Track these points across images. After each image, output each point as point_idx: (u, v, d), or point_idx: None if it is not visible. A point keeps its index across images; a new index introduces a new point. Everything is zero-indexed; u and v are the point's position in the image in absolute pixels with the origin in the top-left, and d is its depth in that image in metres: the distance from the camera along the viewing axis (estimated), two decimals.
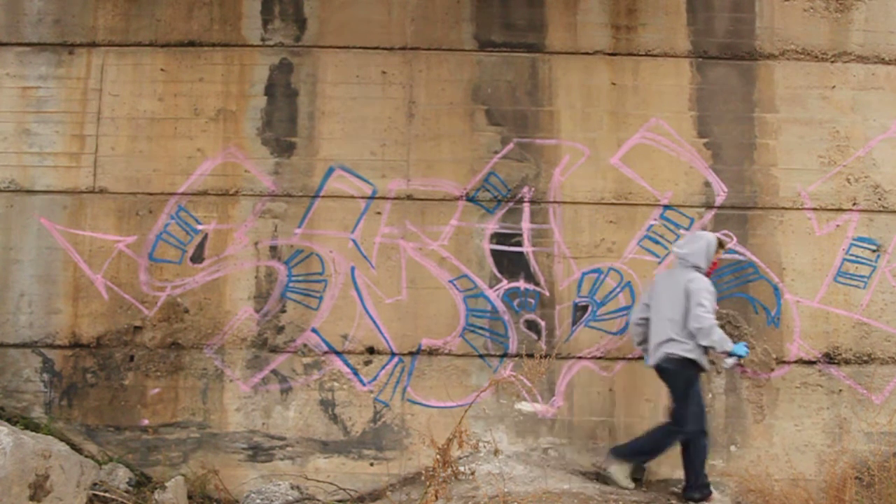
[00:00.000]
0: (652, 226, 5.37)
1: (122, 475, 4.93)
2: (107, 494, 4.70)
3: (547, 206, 5.39)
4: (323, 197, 5.38)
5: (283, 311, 5.30)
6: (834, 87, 5.49)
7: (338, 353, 5.28)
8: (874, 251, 5.34)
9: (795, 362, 5.28)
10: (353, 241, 5.36)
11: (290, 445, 5.21)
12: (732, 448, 5.21)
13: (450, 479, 4.49)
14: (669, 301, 4.69)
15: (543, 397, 5.26)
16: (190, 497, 4.95)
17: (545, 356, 5.10)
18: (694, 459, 4.63)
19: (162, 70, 5.48)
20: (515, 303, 5.32)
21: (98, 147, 5.42)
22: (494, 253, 5.35)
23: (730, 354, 4.60)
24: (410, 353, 5.28)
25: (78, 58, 5.49)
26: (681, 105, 5.46)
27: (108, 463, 5.04)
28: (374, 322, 5.30)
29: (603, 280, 5.34)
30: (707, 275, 4.75)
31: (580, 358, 5.28)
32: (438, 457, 4.47)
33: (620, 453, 4.83)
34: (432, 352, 5.28)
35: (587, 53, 5.51)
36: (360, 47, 5.50)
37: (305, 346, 5.28)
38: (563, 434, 5.22)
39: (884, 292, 5.32)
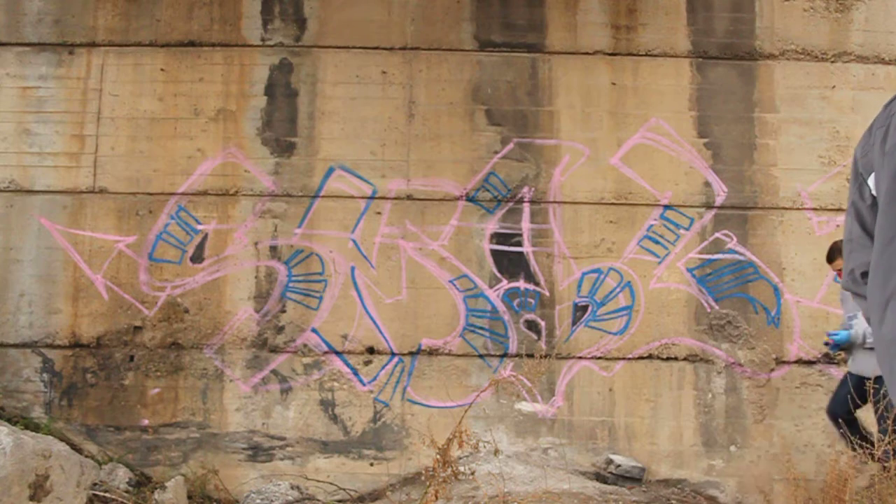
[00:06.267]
0: (652, 226, 5.37)
1: (122, 475, 4.93)
2: (107, 494, 4.70)
3: (547, 206, 5.39)
4: (323, 197, 5.38)
5: (283, 311, 5.30)
6: (834, 87, 5.49)
7: (338, 353, 5.28)
8: None
9: (795, 362, 5.28)
10: (353, 241, 5.36)
11: (290, 445, 5.21)
12: (732, 448, 5.21)
13: (450, 479, 4.49)
14: None
15: (543, 397, 5.26)
16: (190, 497, 4.95)
17: (545, 356, 5.10)
18: None
19: (162, 70, 5.48)
20: (515, 303, 5.32)
21: (98, 147, 5.42)
22: (494, 253, 5.35)
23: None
24: (410, 353, 5.29)
25: (78, 58, 5.49)
26: (681, 105, 5.46)
27: (108, 463, 5.04)
28: (374, 322, 5.30)
29: (603, 280, 5.34)
30: None
31: (580, 358, 5.28)
32: (438, 457, 4.47)
33: None
34: (432, 352, 5.28)
35: (587, 53, 5.51)
36: (360, 47, 5.50)
37: (305, 346, 5.28)
38: (563, 434, 5.22)
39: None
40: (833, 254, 4.79)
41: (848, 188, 5.60)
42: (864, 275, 1.72)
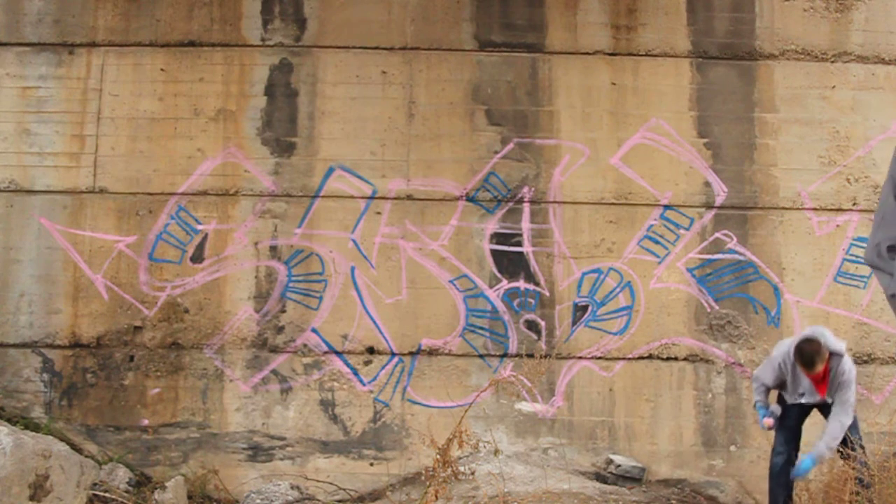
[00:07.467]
0: (652, 226, 5.37)
1: (122, 475, 4.93)
2: (107, 494, 4.70)
3: (547, 206, 5.39)
4: (323, 197, 5.38)
5: (283, 311, 5.30)
6: (834, 87, 5.49)
7: (338, 353, 5.28)
8: None
9: None
10: (353, 241, 5.36)
11: (290, 445, 5.21)
12: (732, 448, 5.21)
13: (450, 479, 4.49)
14: None
15: (543, 397, 5.26)
16: (190, 497, 4.95)
17: (545, 356, 5.10)
18: None
19: (162, 70, 5.48)
20: (515, 303, 5.32)
21: (98, 147, 5.42)
22: (494, 253, 5.35)
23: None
24: (410, 353, 5.28)
25: (78, 58, 5.49)
26: (681, 105, 5.46)
27: (108, 463, 5.04)
28: (374, 322, 5.30)
29: (603, 280, 5.34)
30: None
31: (580, 358, 5.28)
32: (438, 457, 4.47)
33: None
34: (432, 352, 5.28)
35: (587, 53, 5.51)
36: (360, 47, 5.50)
37: (305, 346, 5.28)
38: (563, 434, 5.22)
39: (884, 292, 5.30)
40: (810, 357, 4.03)
41: (849, 187, 5.54)
42: (891, 248, 1.65)
